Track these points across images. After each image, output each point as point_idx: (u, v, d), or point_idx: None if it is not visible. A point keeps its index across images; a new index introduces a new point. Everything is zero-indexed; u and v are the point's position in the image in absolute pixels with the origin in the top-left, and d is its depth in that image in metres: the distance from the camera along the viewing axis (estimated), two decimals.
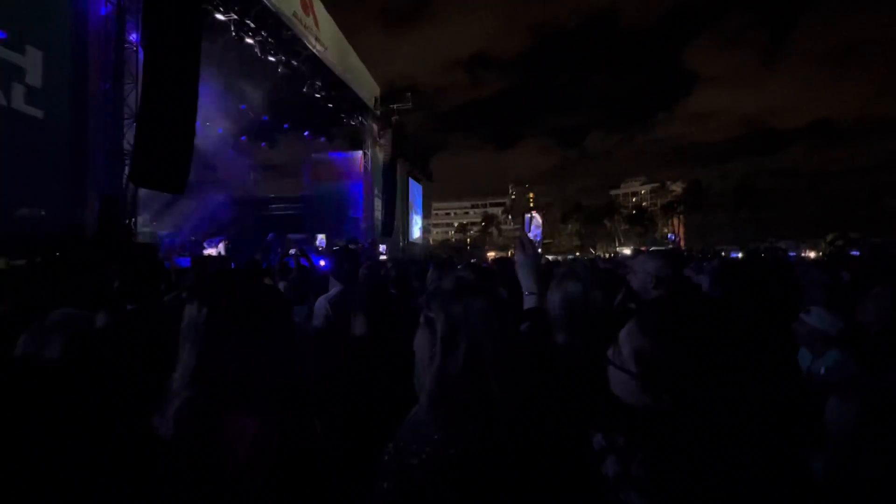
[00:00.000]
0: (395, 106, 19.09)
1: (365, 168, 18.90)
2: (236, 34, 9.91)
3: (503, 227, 77.32)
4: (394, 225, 19.61)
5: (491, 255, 34.07)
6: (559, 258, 23.96)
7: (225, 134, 16.44)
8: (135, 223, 7.63)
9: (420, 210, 29.43)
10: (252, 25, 9.91)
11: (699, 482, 0.80)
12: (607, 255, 30.33)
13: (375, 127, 18.54)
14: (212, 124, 15.31)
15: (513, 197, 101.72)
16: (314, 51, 11.90)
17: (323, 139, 18.31)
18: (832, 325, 1.99)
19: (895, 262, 6.17)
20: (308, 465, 1.07)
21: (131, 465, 1.03)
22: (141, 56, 6.63)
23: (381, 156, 19.02)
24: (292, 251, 5.03)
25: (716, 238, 52.14)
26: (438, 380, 0.89)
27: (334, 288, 2.75)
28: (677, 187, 70.56)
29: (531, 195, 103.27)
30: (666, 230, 62.71)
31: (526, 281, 1.41)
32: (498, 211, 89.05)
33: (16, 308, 2.42)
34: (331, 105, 14.74)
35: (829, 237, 29.90)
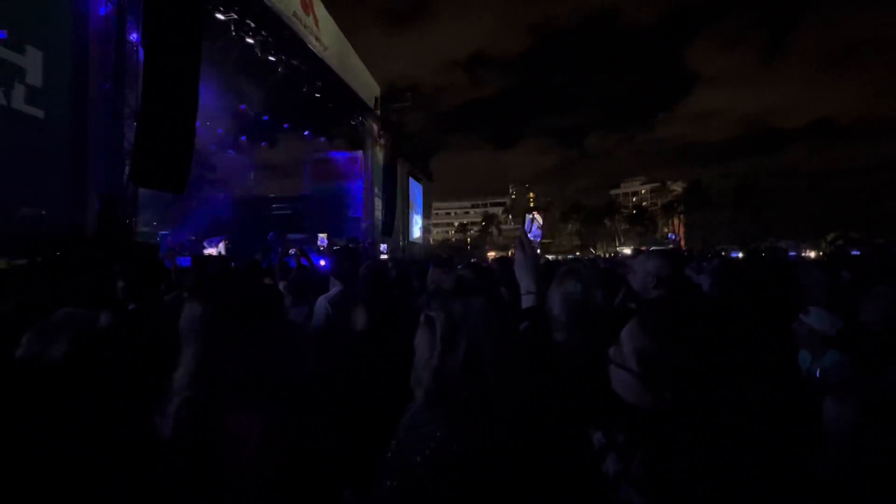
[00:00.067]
0: (395, 106, 19.09)
1: (365, 168, 18.90)
2: (236, 34, 9.91)
3: (503, 226, 77.33)
4: (394, 224, 19.61)
5: (491, 254, 34.07)
6: (559, 258, 23.96)
7: (225, 134, 16.46)
8: (135, 223, 7.63)
9: (420, 210, 29.43)
10: (252, 25, 9.91)
11: (698, 481, 0.80)
12: (607, 255, 30.32)
13: (375, 127, 18.54)
14: (212, 124, 15.34)
15: (513, 197, 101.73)
16: (314, 51, 11.90)
17: (323, 139, 18.31)
18: (831, 325, 1.98)
19: None
20: (311, 465, 1.07)
21: (134, 463, 1.03)
22: (141, 56, 6.63)
23: (381, 156, 19.01)
24: (292, 251, 5.04)
25: (716, 238, 52.14)
26: (437, 377, 0.89)
27: (334, 288, 2.75)
28: (677, 187, 70.56)
29: (531, 195, 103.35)
30: (666, 230, 62.70)
31: (524, 280, 1.41)
32: (498, 211, 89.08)
33: (18, 307, 2.42)
34: (331, 105, 14.73)
35: (830, 237, 29.88)
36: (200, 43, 6.84)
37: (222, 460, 1.03)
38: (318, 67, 12.57)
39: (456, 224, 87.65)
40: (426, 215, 32.45)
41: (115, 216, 6.91)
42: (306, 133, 17.59)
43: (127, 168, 6.74)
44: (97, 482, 0.94)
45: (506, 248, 51.49)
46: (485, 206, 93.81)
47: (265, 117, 15.08)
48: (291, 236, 14.07)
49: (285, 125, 16.30)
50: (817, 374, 1.95)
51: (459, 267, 3.81)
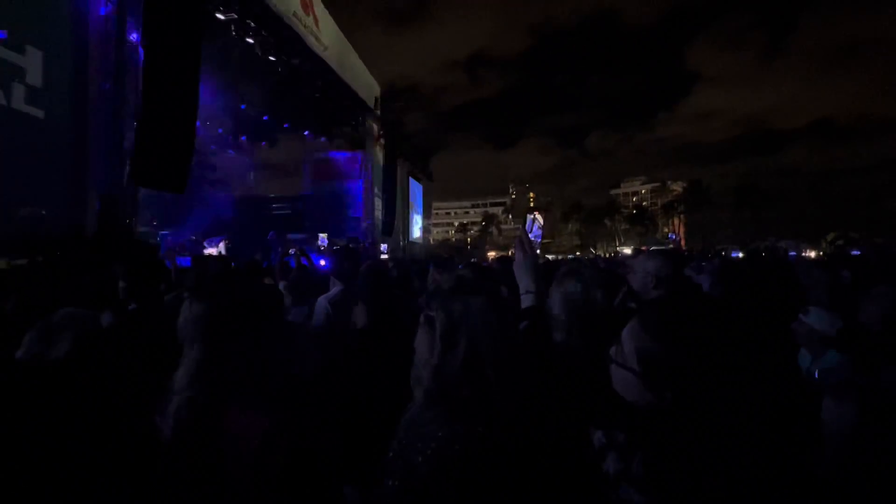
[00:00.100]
0: (395, 105, 19.09)
1: (365, 168, 18.89)
2: (236, 34, 9.90)
3: (503, 226, 77.35)
4: (394, 224, 19.61)
5: (491, 254, 34.07)
6: (559, 258, 23.96)
7: (225, 134, 16.47)
8: (135, 223, 7.63)
9: (420, 210, 29.43)
10: (252, 25, 9.90)
11: (698, 480, 0.80)
12: (607, 255, 30.32)
13: (375, 127, 18.54)
14: (212, 124, 15.33)
15: (513, 196, 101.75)
16: (314, 50, 11.90)
17: (323, 139, 18.30)
18: (831, 325, 1.98)
19: None
20: (311, 464, 1.07)
21: (137, 463, 1.03)
22: (141, 56, 6.63)
23: (381, 155, 19.01)
24: (292, 251, 5.04)
25: (716, 238, 52.15)
26: (437, 377, 0.89)
27: (335, 288, 2.75)
28: (678, 187, 70.60)
29: (531, 195, 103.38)
30: (666, 230, 62.72)
31: (524, 280, 1.41)
32: (498, 210, 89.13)
33: (19, 307, 2.43)
34: (331, 105, 14.73)
35: (830, 237, 29.88)
36: (200, 43, 6.84)
37: (222, 460, 1.03)
38: (318, 67, 12.56)
39: (456, 224, 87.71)
40: (426, 215, 32.44)
41: (115, 216, 6.91)
42: (306, 133, 17.59)
43: (127, 168, 6.74)
44: (99, 482, 0.95)
45: (506, 248, 51.51)
46: (485, 205, 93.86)
47: (265, 117, 15.07)
48: (291, 236, 14.05)
49: (285, 125, 16.28)
50: (816, 375, 1.95)
51: (460, 267, 3.81)
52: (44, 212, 6.30)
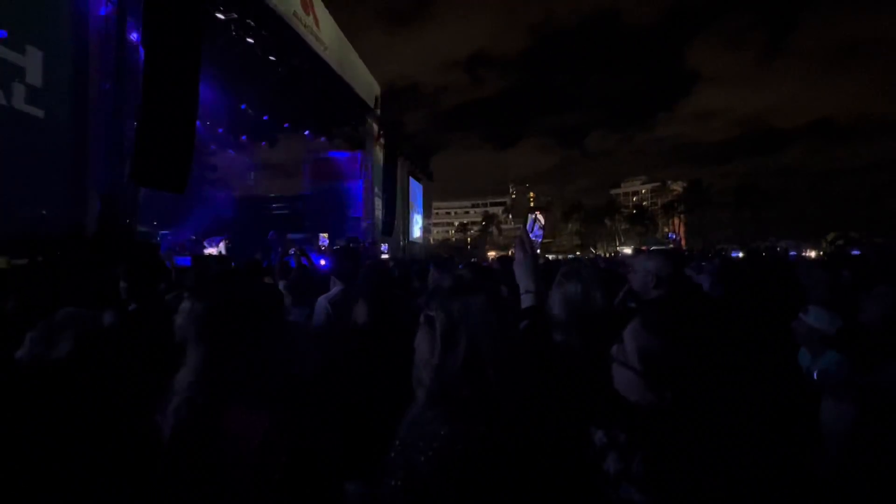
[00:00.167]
0: (396, 105, 19.05)
1: (365, 167, 18.89)
2: (236, 34, 9.90)
3: (503, 226, 77.36)
4: (394, 224, 19.60)
5: (491, 254, 34.06)
6: (559, 257, 23.96)
7: (225, 133, 16.47)
8: (135, 223, 7.63)
9: (420, 209, 29.43)
10: (252, 25, 9.89)
11: (699, 480, 0.81)
12: (608, 255, 30.32)
13: (375, 127, 18.53)
14: (212, 124, 15.34)
15: (513, 196, 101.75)
16: (314, 50, 11.89)
17: (323, 139, 18.29)
18: (831, 324, 1.98)
19: None
20: (311, 464, 1.08)
21: (138, 463, 1.03)
22: (141, 56, 6.63)
23: (381, 155, 19.00)
24: (292, 251, 5.04)
25: (716, 237, 52.17)
26: (438, 376, 0.90)
27: (335, 287, 2.75)
28: (678, 186, 70.62)
29: (531, 194, 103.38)
30: (666, 230, 62.73)
31: (524, 280, 1.41)
32: (498, 210, 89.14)
33: (20, 307, 2.43)
34: (331, 105, 14.72)
35: (830, 236, 29.87)
36: (200, 43, 6.84)
37: (222, 460, 1.03)
38: (318, 67, 12.56)
39: (456, 224, 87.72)
40: (426, 215, 32.44)
41: (115, 216, 6.91)
42: (306, 133, 17.58)
43: (127, 168, 6.73)
44: (99, 482, 0.95)
45: (506, 248, 51.52)
46: (485, 205, 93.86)
47: (265, 117, 15.06)
48: (292, 236, 14.05)
49: (285, 125, 16.28)
50: (818, 372, 1.95)
51: (460, 266, 3.81)
52: (44, 212, 6.30)
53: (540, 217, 1.65)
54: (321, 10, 12.52)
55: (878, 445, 1.29)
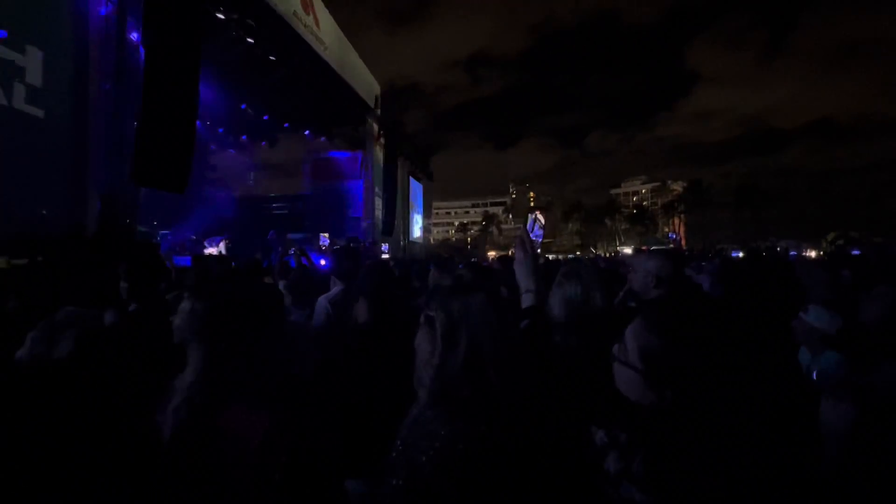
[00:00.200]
0: (396, 105, 19.05)
1: (365, 167, 18.89)
2: (236, 34, 9.90)
3: (504, 226, 77.35)
4: (394, 224, 19.61)
5: (491, 254, 34.06)
6: (559, 257, 23.97)
7: (225, 133, 16.48)
8: (135, 222, 7.64)
9: (421, 209, 29.43)
10: (252, 25, 9.90)
11: (699, 479, 0.81)
12: (608, 255, 30.33)
13: (376, 126, 18.53)
14: (212, 124, 15.35)
15: (513, 196, 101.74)
16: (314, 50, 11.89)
17: (323, 139, 18.30)
18: (830, 323, 1.98)
19: None
20: (311, 464, 1.08)
21: (139, 462, 1.03)
22: (141, 56, 6.63)
23: (381, 155, 19.00)
24: (292, 250, 5.04)
25: (717, 237, 52.18)
26: (439, 376, 0.90)
27: (335, 287, 2.75)
28: (678, 186, 70.58)
29: (532, 194, 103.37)
30: (667, 229, 62.73)
31: (524, 279, 1.41)
32: (498, 210, 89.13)
33: (21, 306, 2.43)
34: (331, 104, 14.73)
35: (830, 236, 29.86)
36: (200, 43, 6.84)
37: (222, 460, 1.03)
38: (318, 67, 12.56)
39: (456, 224, 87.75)
40: (426, 215, 32.44)
41: (115, 216, 6.91)
42: (306, 132, 17.59)
43: (127, 168, 6.74)
44: (100, 482, 0.95)
45: (506, 248, 51.53)
46: (485, 205, 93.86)
47: (265, 117, 15.07)
48: (292, 236, 14.06)
49: (285, 125, 16.29)
50: (817, 373, 1.95)
51: (460, 266, 3.81)
52: (44, 211, 6.30)
53: (540, 217, 1.65)
54: (321, 10, 12.51)
55: (877, 445, 1.29)
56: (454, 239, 79.32)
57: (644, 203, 78.48)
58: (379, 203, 18.97)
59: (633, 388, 0.92)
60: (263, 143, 18.12)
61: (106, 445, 0.99)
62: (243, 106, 13.95)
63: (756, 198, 53.66)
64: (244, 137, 17.37)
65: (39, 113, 6.22)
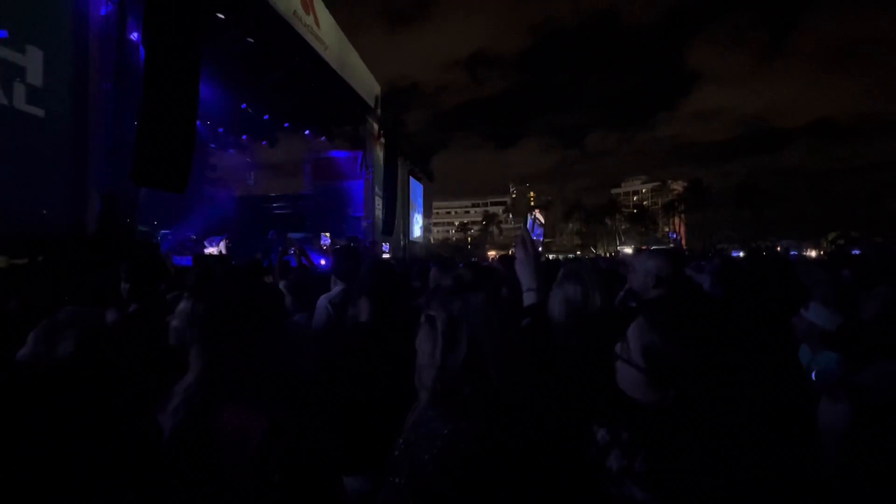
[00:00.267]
0: (396, 104, 19.09)
1: (365, 167, 18.90)
2: (236, 33, 9.90)
3: (504, 226, 77.36)
4: (395, 224, 19.61)
5: (492, 253, 34.06)
6: (560, 257, 23.98)
7: (225, 133, 16.48)
8: (136, 222, 7.64)
9: (421, 209, 29.44)
10: (252, 25, 9.90)
11: (701, 478, 0.81)
12: (608, 255, 30.32)
13: (376, 126, 18.54)
14: (212, 123, 15.35)
15: (513, 196, 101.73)
16: (315, 50, 11.89)
17: (323, 138, 18.31)
18: (831, 320, 1.98)
19: None
20: (312, 464, 1.08)
21: (140, 462, 1.04)
22: (142, 55, 6.63)
23: (381, 155, 19.01)
24: (291, 250, 5.03)
25: (717, 237, 52.18)
26: (440, 375, 0.90)
27: (336, 287, 2.75)
28: (678, 186, 70.51)
29: (532, 194, 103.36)
30: (667, 229, 62.71)
31: (526, 278, 1.42)
32: (499, 210, 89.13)
33: (21, 306, 2.43)
34: (331, 104, 14.73)
35: (831, 236, 29.86)
36: (200, 42, 6.84)
37: (222, 460, 1.03)
38: (318, 67, 12.56)
39: (456, 223, 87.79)
40: (427, 214, 32.47)
41: (115, 215, 6.92)
42: (307, 132, 17.59)
43: (128, 167, 6.75)
44: (100, 482, 0.95)
45: (506, 248, 51.51)
46: (485, 205, 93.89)
47: (266, 116, 15.07)
48: (292, 235, 14.07)
49: (286, 124, 16.29)
50: (815, 373, 1.95)
51: (461, 266, 3.82)
52: (44, 211, 6.31)
53: (539, 216, 1.66)
54: (321, 10, 12.51)
55: (874, 445, 1.29)
56: (454, 239, 79.35)
57: (644, 203, 78.54)
58: (379, 203, 18.98)
59: (636, 387, 0.92)
60: (264, 142, 18.12)
61: (106, 445, 0.99)
62: (243, 106, 13.95)
63: (756, 198, 53.61)
64: (244, 137, 17.38)
65: (40, 113, 6.22)
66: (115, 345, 1.33)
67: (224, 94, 12.59)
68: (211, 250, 10.94)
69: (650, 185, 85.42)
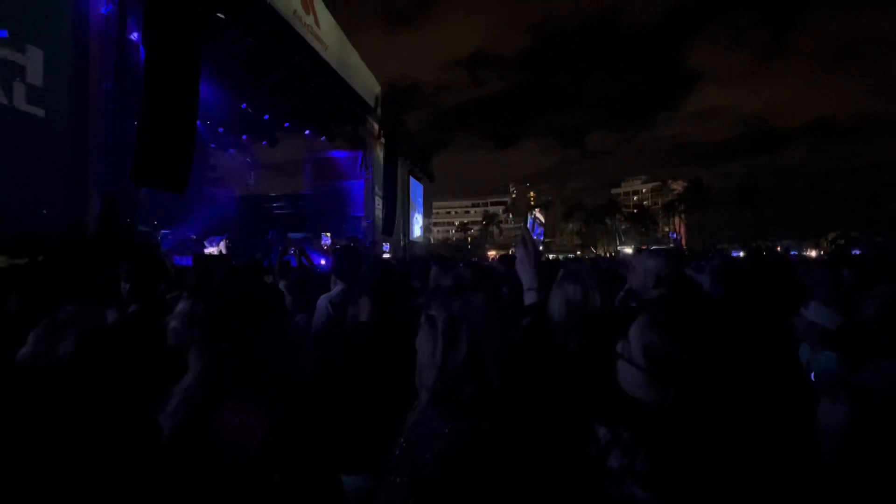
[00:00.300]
0: (396, 104, 19.06)
1: (365, 167, 18.90)
2: (236, 33, 9.90)
3: (504, 225, 77.32)
4: (395, 223, 19.61)
5: (492, 253, 34.05)
6: (560, 257, 23.98)
7: (226, 133, 16.48)
8: (136, 222, 7.64)
9: (421, 209, 29.45)
10: (252, 24, 9.90)
11: (702, 477, 0.81)
12: (608, 255, 30.31)
13: (376, 126, 18.53)
14: (212, 123, 15.35)
15: (513, 196, 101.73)
16: (315, 50, 11.89)
17: (323, 138, 18.30)
18: (831, 319, 1.98)
19: None
20: (312, 464, 1.08)
21: (140, 462, 1.04)
22: (142, 55, 6.63)
23: (381, 155, 19.01)
24: (291, 250, 5.04)
25: (717, 237, 52.18)
26: (441, 375, 0.90)
27: (336, 287, 2.75)
28: (678, 186, 70.47)
29: (532, 194, 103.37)
30: (667, 229, 62.69)
31: (526, 277, 1.42)
32: (499, 210, 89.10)
33: (21, 306, 2.43)
34: (331, 104, 14.73)
35: (831, 236, 29.87)
36: (200, 42, 6.84)
37: (222, 460, 1.03)
38: (318, 66, 12.55)
39: (456, 223, 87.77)
40: (427, 214, 32.47)
41: (115, 215, 6.92)
42: (307, 132, 17.59)
43: (128, 167, 6.74)
44: (100, 482, 0.95)
45: (506, 248, 51.50)
46: (485, 205, 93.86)
47: (266, 116, 15.07)
48: (292, 235, 14.07)
49: (286, 124, 16.28)
50: (814, 374, 1.95)
51: (461, 265, 3.82)
52: (44, 211, 6.31)
53: (539, 215, 1.66)
54: (321, 10, 12.51)
55: (874, 445, 1.29)
56: (454, 238, 79.36)
57: (644, 203, 78.56)
58: (379, 203, 18.98)
59: (637, 386, 0.92)
60: (264, 142, 18.12)
61: (106, 445, 0.99)
62: (244, 105, 13.94)
63: (756, 197, 53.57)
64: (244, 137, 17.37)
65: (40, 112, 6.22)
66: (116, 345, 1.33)
67: (224, 94, 12.59)
68: (211, 250, 10.94)
69: (650, 185, 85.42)
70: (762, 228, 51.64)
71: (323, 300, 2.64)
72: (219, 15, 9.09)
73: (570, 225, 70.96)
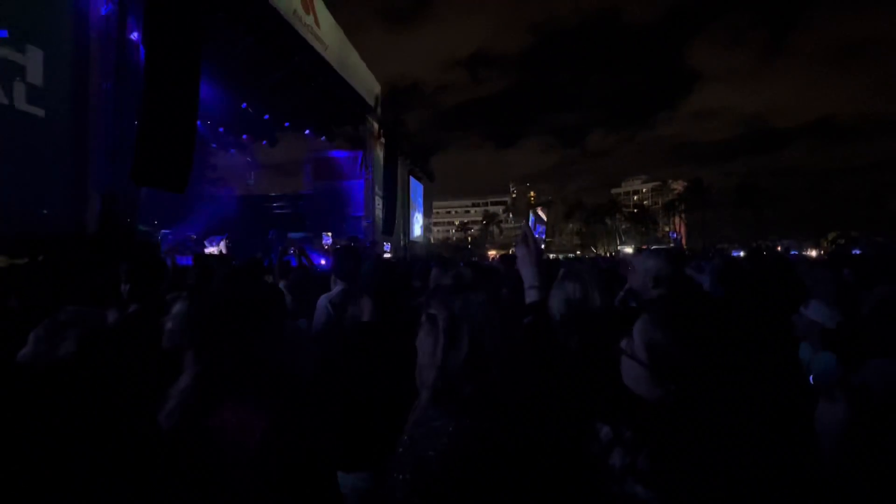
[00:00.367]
0: (396, 104, 19.07)
1: (366, 167, 18.89)
2: (237, 33, 9.90)
3: (504, 225, 77.31)
4: (395, 223, 19.61)
5: (492, 253, 34.06)
6: (560, 257, 23.97)
7: (226, 132, 16.48)
8: (136, 222, 7.64)
9: (421, 209, 29.44)
10: (252, 24, 9.90)
11: (704, 476, 0.81)
12: (608, 254, 30.30)
13: (376, 126, 18.53)
14: (213, 123, 15.35)
15: (514, 195, 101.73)
16: (315, 49, 11.88)
17: (324, 138, 18.30)
18: (830, 318, 1.98)
19: None
20: (312, 463, 1.08)
21: (140, 462, 1.04)
22: (142, 55, 6.63)
23: (381, 154, 19.00)
24: (291, 249, 5.04)
25: (717, 237, 52.19)
26: (442, 374, 0.90)
27: (336, 287, 2.75)
28: (678, 186, 70.44)
29: (532, 194, 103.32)
30: (667, 229, 62.68)
31: (527, 275, 1.42)
32: (499, 209, 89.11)
33: (22, 305, 2.43)
34: (331, 104, 14.72)
35: (831, 236, 29.87)
36: (200, 42, 6.84)
37: (221, 460, 1.03)
38: (318, 66, 12.55)
39: (457, 223, 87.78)
40: (427, 214, 32.48)
41: (115, 215, 6.92)
42: (307, 132, 17.58)
43: (128, 167, 6.74)
44: (100, 482, 0.95)
45: (506, 247, 51.47)
46: (485, 204, 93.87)
47: (266, 116, 15.06)
48: (292, 235, 14.07)
49: (286, 124, 16.28)
50: (813, 375, 1.95)
51: (461, 265, 3.82)
52: (45, 211, 6.31)
53: (541, 214, 1.66)
54: (321, 10, 12.50)
55: (872, 445, 1.29)
56: (454, 238, 79.37)
57: (644, 202, 78.59)
58: (379, 202, 18.97)
59: (640, 384, 0.93)
60: (264, 142, 18.12)
61: (106, 445, 0.99)
62: (244, 105, 13.94)
63: (756, 197, 53.54)
64: (245, 137, 17.37)
65: (40, 112, 6.22)
66: (116, 345, 1.33)
67: (224, 93, 12.59)
68: (211, 250, 10.94)
69: (650, 185, 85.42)
70: (762, 228, 51.64)
71: (323, 300, 2.64)
72: (219, 15, 9.09)
73: (571, 225, 70.93)
